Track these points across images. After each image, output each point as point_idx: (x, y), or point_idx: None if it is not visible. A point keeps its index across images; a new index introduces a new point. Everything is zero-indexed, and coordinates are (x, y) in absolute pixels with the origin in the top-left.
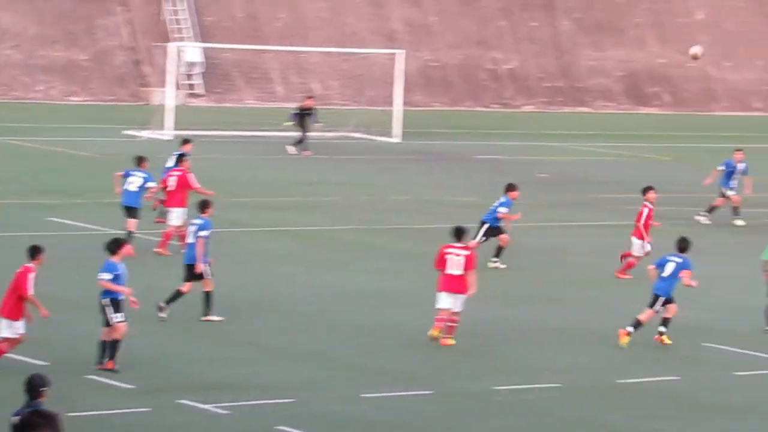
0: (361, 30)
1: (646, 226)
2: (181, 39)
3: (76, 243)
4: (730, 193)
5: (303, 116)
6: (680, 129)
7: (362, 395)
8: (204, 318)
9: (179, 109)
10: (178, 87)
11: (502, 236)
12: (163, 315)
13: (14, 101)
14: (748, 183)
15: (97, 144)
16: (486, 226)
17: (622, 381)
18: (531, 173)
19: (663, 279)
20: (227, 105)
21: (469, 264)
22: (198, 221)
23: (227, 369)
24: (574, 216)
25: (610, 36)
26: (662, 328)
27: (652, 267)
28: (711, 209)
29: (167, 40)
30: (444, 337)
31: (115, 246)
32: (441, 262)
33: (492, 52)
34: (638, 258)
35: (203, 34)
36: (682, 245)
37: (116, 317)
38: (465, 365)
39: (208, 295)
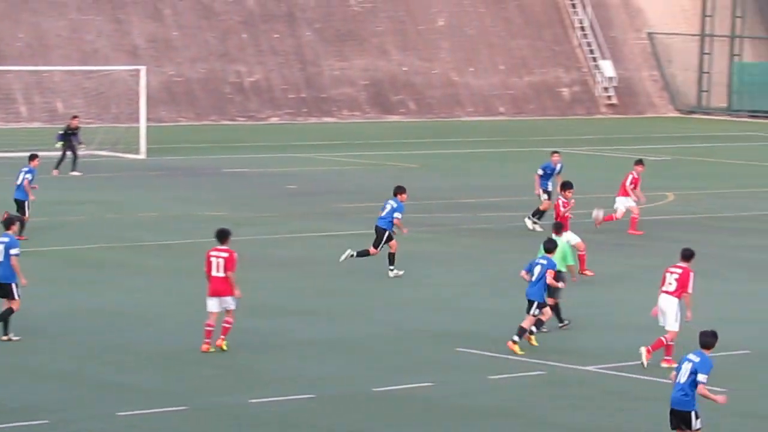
0: (103, 47)
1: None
2: None
3: None
4: (543, 197)
5: (68, 136)
6: (426, 136)
7: (117, 414)
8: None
9: None
10: None
11: (392, 243)
12: None
13: None
14: (558, 180)
15: None
16: (387, 233)
17: (378, 389)
18: (280, 185)
19: (533, 283)
20: None
21: (228, 265)
22: (5, 239)
23: None
24: (323, 226)
25: (352, 45)
26: (533, 328)
27: (523, 273)
28: (537, 213)
29: None
30: (219, 339)
31: None
32: (208, 266)
33: (235, 65)
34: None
35: None
36: (549, 246)
37: None
38: (219, 379)
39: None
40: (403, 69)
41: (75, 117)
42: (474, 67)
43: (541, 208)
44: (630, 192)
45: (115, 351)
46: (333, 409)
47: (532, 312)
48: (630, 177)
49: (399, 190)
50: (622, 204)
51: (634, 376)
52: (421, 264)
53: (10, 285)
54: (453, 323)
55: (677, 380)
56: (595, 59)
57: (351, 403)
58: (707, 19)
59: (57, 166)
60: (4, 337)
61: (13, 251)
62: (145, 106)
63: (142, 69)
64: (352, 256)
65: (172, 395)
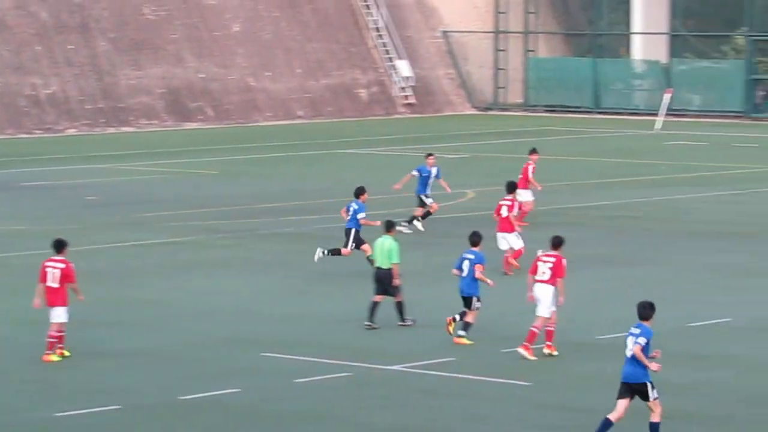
0: None
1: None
2: None
3: None
4: (429, 201)
5: None
6: (225, 142)
7: None
8: None
9: None
10: None
11: (364, 246)
12: None
13: None
14: (444, 185)
15: None
16: (354, 231)
17: (184, 397)
18: (81, 196)
19: (464, 279)
20: None
21: (65, 276)
22: None
23: None
24: (126, 236)
25: (147, 54)
26: (461, 331)
27: (454, 270)
28: (412, 219)
29: None
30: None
31: None
32: (42, 276)
33: (30, 77)
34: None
35: None
36: (474, 239)
37: None
38: (25, 394)
39: None
40: (200, 76)
41: None
42: (271, 72)
43: (431, 211)
44: (533, 182)
45: None
46: (139, 419)
47: (473, 307)
48: (530, 167)
49: (360, 191)
50: (525, 197)
51: (441, 374)
52: (222, 271)
53: None
54: (257, 329)
55: (626, 355)
56: (391, 59)
57: (157, 412)
58: (501, 16)
59: None
60: None
61: None
62: None
63: None
64: (324, 254)
65: None
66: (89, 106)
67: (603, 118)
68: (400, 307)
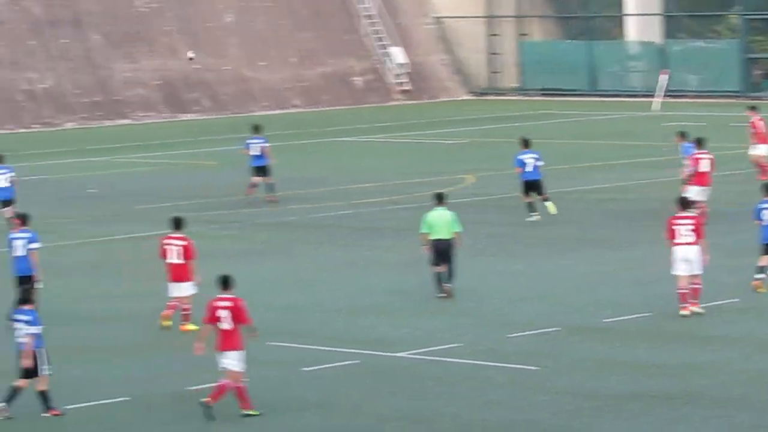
0: None
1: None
2: None
3: None
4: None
5: None
6: (222, 132)
7: None
8: None
9: None
10: None
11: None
12: None
13: None
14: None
15: None
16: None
17: (191, 388)
18: (80, 190)
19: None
20: None
21: (188, 253)
22: (26, 234)
23: None
24: (126, 228)
25: (141, 46)
26: None
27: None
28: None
29: None
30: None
31: None
32: (162, 253)
33: (26, 72)
34: None
35: None
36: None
37: None
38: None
39: None
40: (195, 67)
41: None
42: (265, 62)
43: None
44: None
45: None
46: (148, 409)
47: None
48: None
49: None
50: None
51: (449, 360)
52: (223, 261)
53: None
54: (262, 318)
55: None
56: (384, 46)
57: (166, 403)
58: (493, 0)
59: None
60: None
61: (32, 245)
62: None
63: None
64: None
65: None
66: (86, 100)
67: (599, 100)
68: (449, 274)
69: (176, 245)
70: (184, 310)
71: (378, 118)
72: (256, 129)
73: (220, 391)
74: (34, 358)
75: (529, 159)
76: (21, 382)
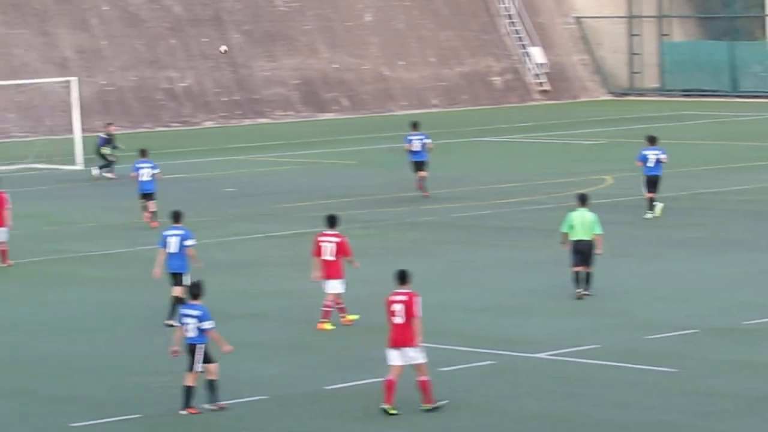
0: (32, 60)
1: None
2: None
3: None
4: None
5: (109, 142)
6: (361, 132)
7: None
8: None
9: None
10: None
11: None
12: None
13: None
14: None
15: None
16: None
17: (329, 387)
18: (218, 189)
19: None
20: None
21: (340, 250)
22: (179, 231)
23: None
24: (265, 228)
25: (281, 45)
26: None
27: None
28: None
29: None
30: (342, 318)
31: None
32: (317, 250)
33: (166, 71)
34: None
35: None
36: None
37: None
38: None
39: None
40: (334, 66)
41: (110, 124)
42: (404, 61)
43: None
44: None
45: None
46: (287, 409)
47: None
48: None
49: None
50: None
51: (584, 361)
52: (360, 260)
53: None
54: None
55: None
56: (524, 46)
57: (304, 402)
58: (634, 0)
59: (110, 170)
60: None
61: (187, 242)
62: (79, 117)
63: (73, 80)
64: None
65: (125, 405)
66: (225, 99)
67: (741, 101)
68: (589, 277)
69: (330, 242)
70: (327, 306)
71: (517, 118)
72: (415, 126)
73: (389, 389)
74: (199, 353)
75: (652, 155)
76: (212, 375)
